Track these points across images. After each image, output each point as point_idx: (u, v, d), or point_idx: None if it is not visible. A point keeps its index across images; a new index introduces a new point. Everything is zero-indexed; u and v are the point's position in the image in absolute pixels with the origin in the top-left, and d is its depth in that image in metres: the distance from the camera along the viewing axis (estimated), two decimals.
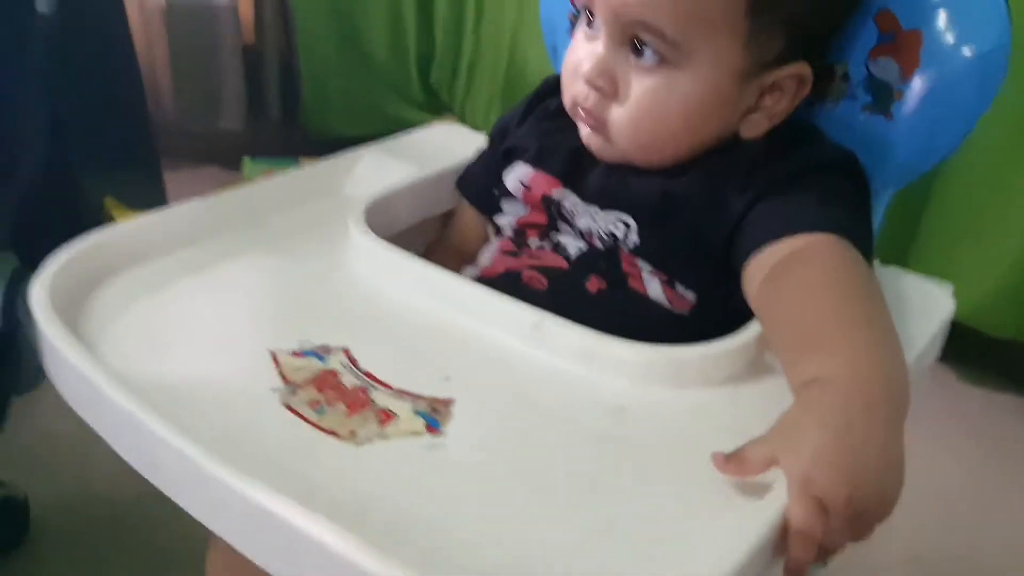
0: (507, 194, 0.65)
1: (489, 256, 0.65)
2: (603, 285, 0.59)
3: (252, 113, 2.02)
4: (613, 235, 0.59)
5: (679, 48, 0.55)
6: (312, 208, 0.65)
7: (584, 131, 0.61)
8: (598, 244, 0.60)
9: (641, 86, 0.57)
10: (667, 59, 0.55)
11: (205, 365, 0.50)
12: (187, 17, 1.90)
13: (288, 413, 0.45)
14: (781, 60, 0.57)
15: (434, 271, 0.55)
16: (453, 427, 0.45)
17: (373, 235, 0.58)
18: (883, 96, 0.59)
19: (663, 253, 0.58)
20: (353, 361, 0.49)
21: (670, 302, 0.58)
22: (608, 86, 0.57)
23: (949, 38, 0.57)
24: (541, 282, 0.60)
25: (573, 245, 0.61)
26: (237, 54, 1.97)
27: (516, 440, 0.45)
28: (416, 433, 0.45)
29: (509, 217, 0.66)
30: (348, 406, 0.46)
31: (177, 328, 0.53)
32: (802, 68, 0.57)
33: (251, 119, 2.02)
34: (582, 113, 0.60)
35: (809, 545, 0.38)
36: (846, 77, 0.61)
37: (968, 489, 1.23)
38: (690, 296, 0.58)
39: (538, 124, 0.67)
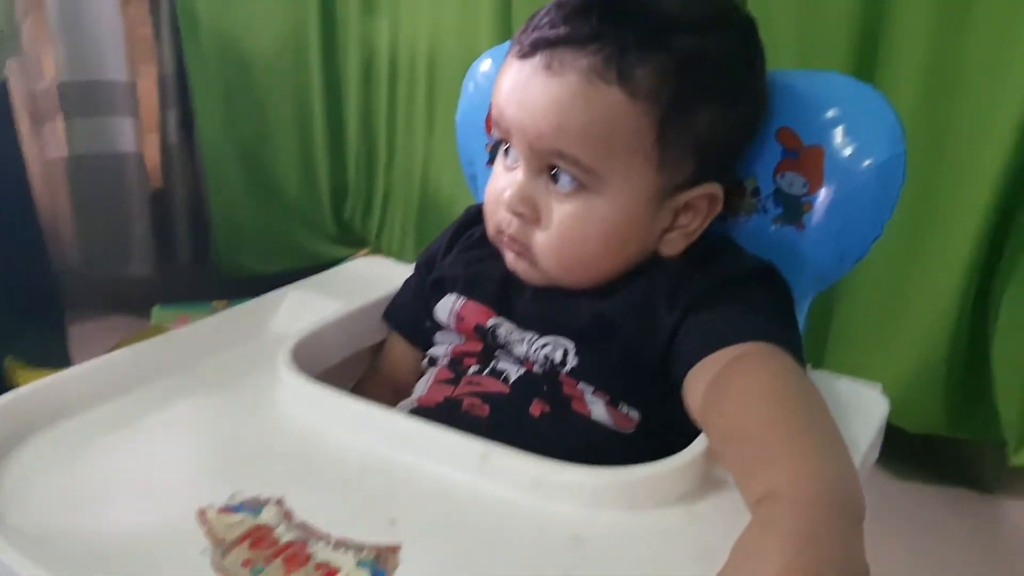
0: (441, 326, 0.65)
1: (425, 386, 0.63)
2: (546, 408, 0.58)
3: (161, 258, 1.99)
4: (551, 360, 0.59)
5: (595, 174, 0.57)
6: (238, 351, 0.63)
7: (509, 257, 0.62)
8: (537, 369, 0.60)
9: (561, 211, 0.58)
10: (584, 185, 0.58)
11: (128, 529, 0.46)
12: (91, 166, 1.88)
13: None
14: (692, 182, 0.59)
15: (370, 407, 0.53)
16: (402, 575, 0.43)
17: (303, 374, 0.56)
18: (793, 208, 0.62)
19: (602, 374, 0.58)
20: (288, 513, 0.47)
21: (615, 422, 0.57)
22: (529, 212, 0.59)
23: (848, 151, 0.60)
24: (482, 409, 0.59)
25: (513, 370, 0.60)
26: (144, 200, 1.95)
27: None
28: None
29: (444, 347, 0.65)
30: (286, 563, 0.43)
31: (97, 490, 0.49)
32: (712, 188, 0.60)
33: (160, 264, 1.98)
34: (506, 240, 0.61)
35: None
36: (756, 192, 0.63)
37: None
38: (635, 415, 0.58)
39: (464, 253, 0.68)
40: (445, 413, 0.58)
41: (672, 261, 0.61)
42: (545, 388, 0.59)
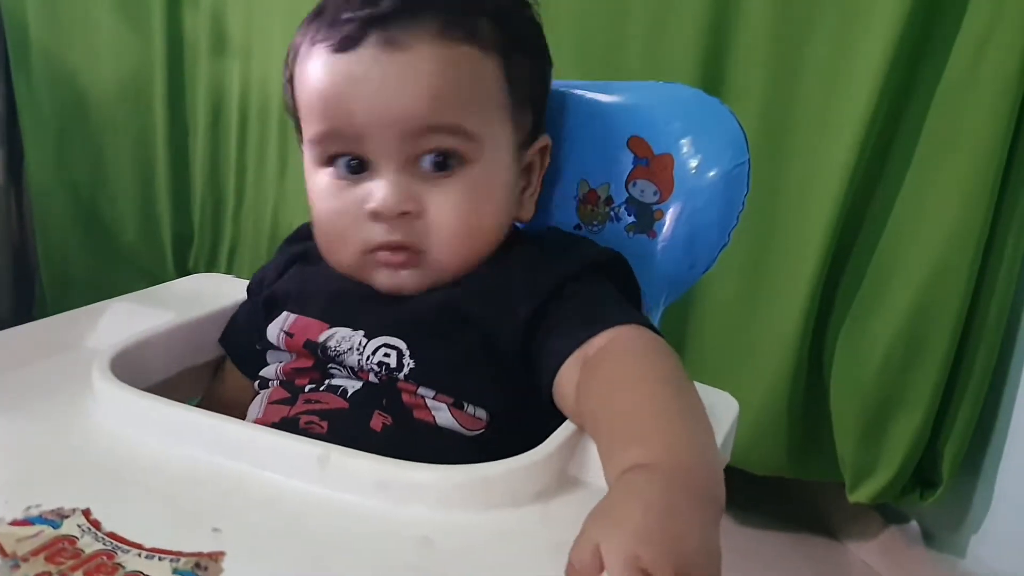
0: (271, 346, 0.60)
1: (260, 408, 0.58)
2: (388, 420, 0.54)
3: None
4: (385, 365, 0.55)
5: (475, 140, 0.55)
6: (50, 363, 0.57)
7: (385, 275, 0.58)
8: (373, 379, 0.56)
9: (449, 195, 0.56)
10: (464, 158, 0.56)
11: None
12: None
13: None
14: (532, 137, 0.60)
15: (194, 414, 0.48)
16: None
17: (119, 382, 0.50)
18: (644, 216, 0.62)
19: (442, 374, 0.55)
20: (95, 523, 0.41)
21: (462, 424, 0.54)
22: (417, 208, 0.55)
23: (695, 160, 0.61)
24: (320, 426, 0.54)
25: (350, 384, 0.56)
26: None
27: None
28: None
29: (273, 367, 0.60)
30: (88, 575, 0.37)
31: None
32: (544, 140, 0.61)
33: None
34: (388, 254, 0.57)
35: None
36: (609, 200, 0.63)
37: None
38: (482, 414, 0.55)
39: (300, 272, 0.64)
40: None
41: (524, 247, 0.60)
42: (384, 401, 0.55)
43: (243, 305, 0.67)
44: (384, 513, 0.44)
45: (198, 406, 0.61)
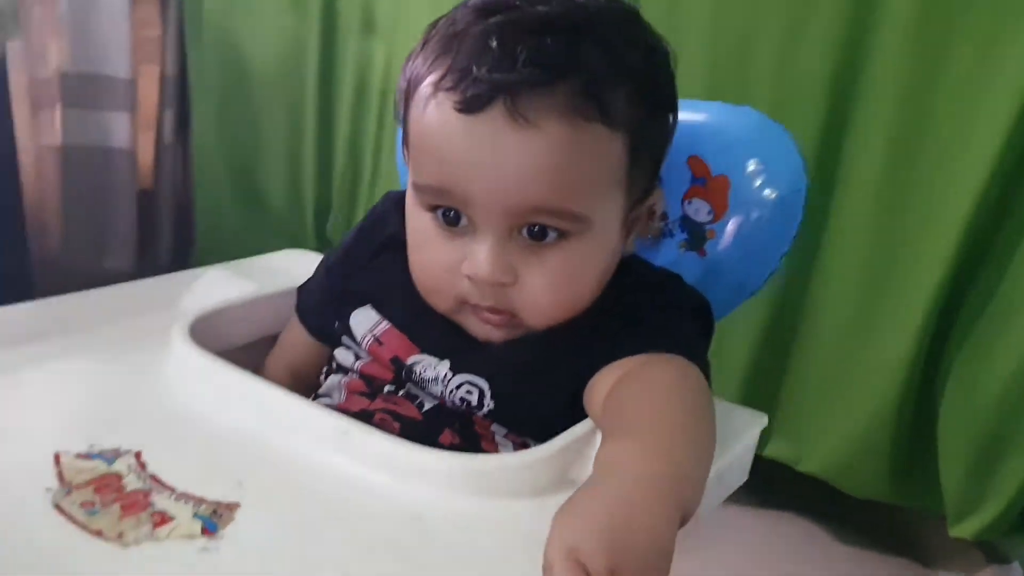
0: (354, 339, 0.62)
1: (340, 392, 0.62)
2: (456, 440, 0.57)
3: (142, 256, 2.01)
4: (466, 401, 0.57)
5: (581, 219, 0.53)
6: (144, 320, 0.64)
7: (482, 328, 0.58)
8: (450, 407, 0.58)
9: (547, 266, 0.54)
10: (570, 233, 0.54)
11: None
12: (84, 158, 1.91)
13: (56, 514, 0.43)
14: (646, 193, 0.58)
15: (248, 380, 0.54)
16: (232, 531, 0.43)
17: (192, 343, 0.57)
18: (697, 235, 0.63)
19: (521, 421, 0.57)
20: (142, 464, 0.48)
21: None
22: (512, 279, 0.55)
23: (753, 183, 0.62)
24: (393, 426, 0.57)
25: (427, 400, 0.59)
26: (132, 197, 1.97)
27: (297, 546, 0.43)
28: (190, 536, 0.43)
29: (351, 357, 0.62)
30: (123, 508, 0.44)
31: None
32: (657, 194, 0.59)
33: (140, 262, 2.00)
34: (484, 313, 0.57)
35: None
36: (664, 216, 0.65)
37: None
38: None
39: (391, 265, 0.62)
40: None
41: (620, 297, 0.58)
42: (456, 424, 0.58)
43: (319, 280, 0.69)
44: (388, 489, 0.48)
45: (260, 367, 0.68)
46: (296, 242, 2.02)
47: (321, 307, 0.67)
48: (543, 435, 0.53)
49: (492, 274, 0.54)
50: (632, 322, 0.57)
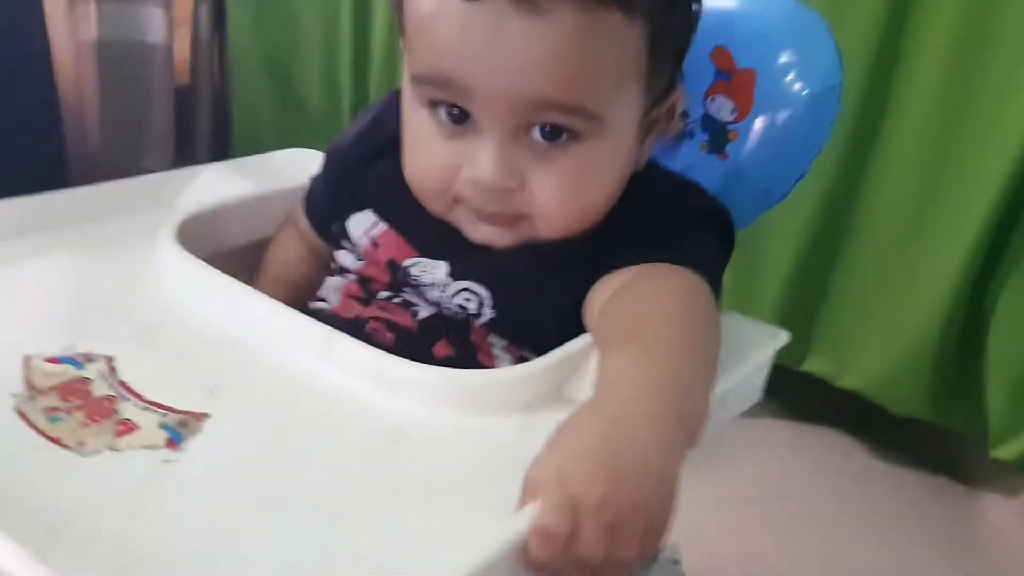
0: (347, 236, 0.60)
1: (337, 297, 0.59)
2: (451, 352, 0.54)
3: (179, 154, 2.00)
4: (464, 309, 0.54)
5: (598, 119, 0.49)
6: (136, 219, 0.62)
7: (484, 230, 0.54)
8: (446, 314, 0.56)
9: (559, 170, 0.50)
10: (581, 134, 0.50)
11: None
12: (120, 53, 1.89)
13: (18, 419, 0.41)
14: (666, 91, 0.54)
15: (231, 283, 0.52)
16: (197, 442, 0.41)
17: (178, 245, 0.55)
18: (719, 135, 0.58)
19: (521, 331, 0.54)
20: (112, 370, 0.46)
21: None
22: (518, 184, 0.51)
23: (782, 78, 0.56)
24: (385, 336, 0.55)
25: (423, 307, 0.56)
26: (169, 93, 1.95)
27: (266, 457, 0.41)
28: (153, 447, 0.41)
29: (349, 259, 0.60)
30: (88, 416, 0.42)
31: None
32: (678, 92, 0.55)
33: (178, 159, 1.99)
34: (483, 216, 0.53)
35: (550, 544, 0.34)
36: (685, 115, 0.60)
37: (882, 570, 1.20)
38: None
39: (390, 169, 0.58)
40: (349, 330, 0.53)
41: (632, 204, 0.54)
42: (452, 333, 0.55)
43: (323, 171, 0.66)
44: (371, 401, 0.46)
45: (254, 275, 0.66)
46: (332, 139, 1.99)
47: (326, 205, 0.64)
48: (543, 349, 0.50)
49: (496, 178, 0.50)
50: (639, 231, 0.53)
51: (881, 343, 1.27)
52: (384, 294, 0.58)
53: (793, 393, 1.46)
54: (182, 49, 1.96)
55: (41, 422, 0.41)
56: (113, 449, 0.40)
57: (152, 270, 0.55)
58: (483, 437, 0.45)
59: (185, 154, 2.01)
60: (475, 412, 0.46)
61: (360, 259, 0.60)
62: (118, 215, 0.61)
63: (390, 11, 0.56)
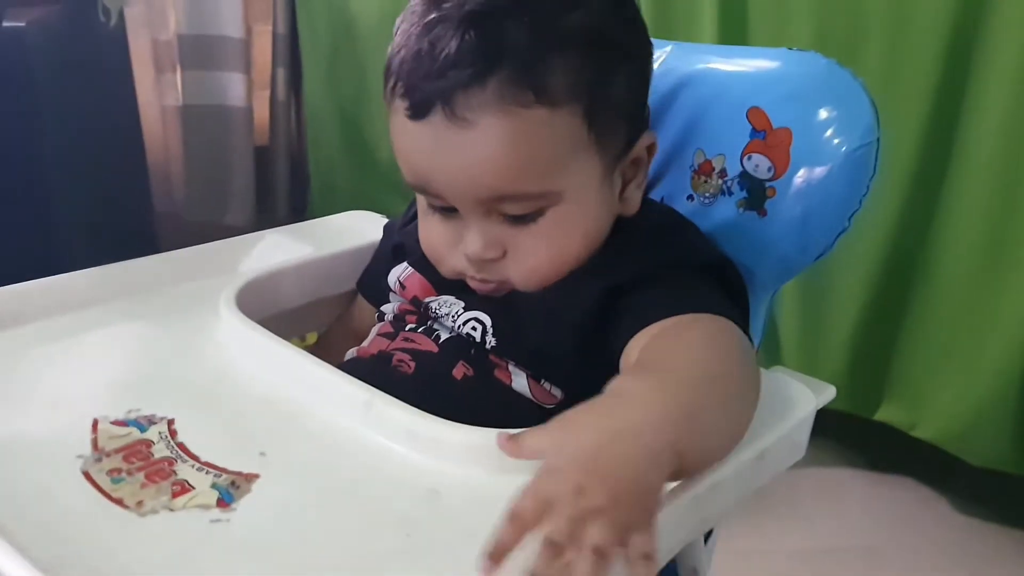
0: (390, 288, 0.66)
1: (370, 338, 0.65)
2: (469, 372, 0.58)
3: (260, 210, 2.09)
4: (471, 337, 0.58)
5: (550, 195, 0.55)
6: (203, 284, 0.65)
7: (478, 288, 0.60)
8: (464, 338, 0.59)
9: (531, 237, 0.56)
10: (543, 208, 0.55)
11: (18, 427, 0.49)
12: (204, 117, 1.99)
13: (83, 480, 0.45)
14: (628, 143, 0.58)
15: (281, 346, 0.55)
16: (246, 502, 0.44)
17: (236, 309, 0.58)
18: (757, 193, 0.59)
19: (522, 354, 0.57)
20: (173, 432, 0.49)
21: (536, 396, 0.57)
22: (499, 253, 0.57)
23: (817, 137, 0.57)
24: (409, 365, 0.59)
25: (445, 332, 0.60)
26: (249, 153, 2.05)
27: (309, 518, 0.43)
28: (205, 506, 0.43)
29: (393, 305, 0.66)
30: (147, 476, 0.45)
31: (9, 390, 0.53)
32: (647, 138, 0.59)
33: (258, 216, 2.08)
34: (476, 284, 0.59)
35: (515, 526, 0.36)
36: (723, 173, 0.60)
37: None
38: (557, 392, 0.57)
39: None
40: (376, 366, 0.59)
41: (627, 236, 0.59)
42: (472, 352, 0.58)
43: (380, 244, 0.72)
44: (408, 461, 0.47)
45: (326, 332, 0.69)
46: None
47: (376, 272, 0.70)
48: (548, 374, 0.56)
49: (480, 252, 0.56)
50: (647, 280, 0.55)
51: (957, 391, 1.23)
52: (411, 326, 0.62)
53: (870, 442, 1.43)
54: (261, 111, 2.06)
55: (105, 483, 0.44)
56: (169, 509, 0.43)
57: (212, 334, 0.58)
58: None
59: (265, 210, 2.09)
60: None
61: (398, 303, 0.65)
62: (182, 282, 0.65)
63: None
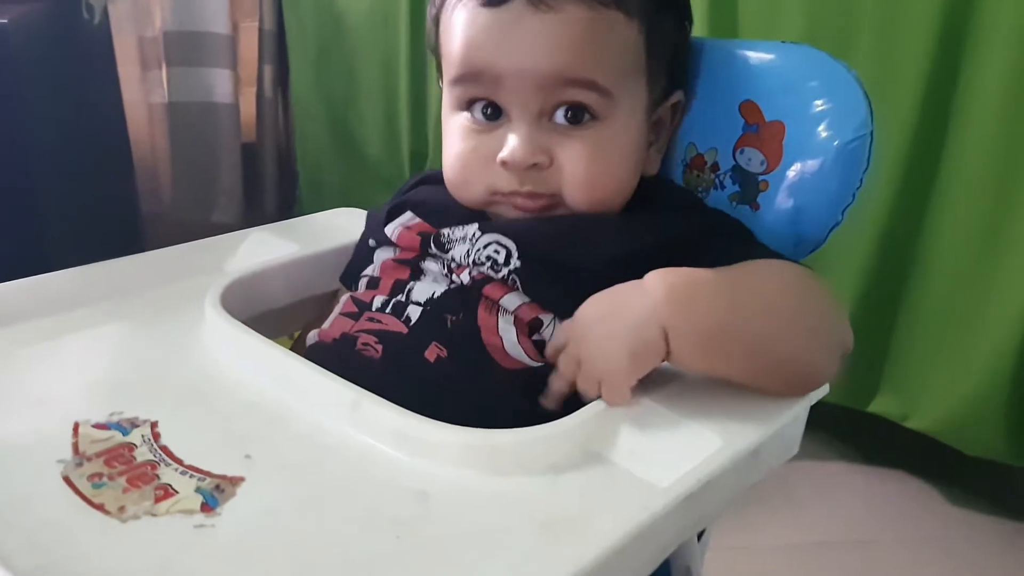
0: (386, 241, 0.63)
1: (331, 319, 0.62)
2: (443, 353, 0.56)
3: (248, 207, 2.07)
4: (492, 260, 0.57)
5: (610, 98, 0.57)
6: (183, 285, 0.64)
7: (516, 215, 0.60)
8: (465, 279, 0.57)
9: (581, 146, 0.57)
10: (597, 115, 0.57)
11: None
12: (189, 114, 1.98)
13: (64, 485, 0.43)
14: (665, 94, 0.61)
15: (268, 348, 0.53)
16: (231, 506, 0.43)
17: (220, 309, 0.57)
18: (750, 187, 0.58)
19: (544, 280, 0.56)
20: (156, 435, 0.48)
21: (527, 354, 0.55)
22: (547, 159, 0.58)
23: (810, 130, 0.56)
24: (376, 349, 0.57)
25: (424, 293, 0.58)
26: (236, 150, 2.03)
27: (296, 521, 0.42)
28: (189, 511, 0.42)
29: (376, 265, 0.63)
30: (129, 481, 0.44)
31: None
32: (678, 95, 0.62)
33: (246, 213, 2.06)
34: (522, 201, 0.59)
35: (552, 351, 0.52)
36: (715, 167, 0.60)
37: None
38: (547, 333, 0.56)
39: (429, 188, 0.67)
40: (339, 351, 0.58)
41: (654, 202, 0.61)
42: (451, 320, 0.56)
43: (362, 236, 0.69)
44: (397, 462, 0.46)
45: (306, 327, 0.68)
46: (394, 187, 2.02)
47: (357, 263, 0.67)
48: (562, 307, 0.55)
49: (527, 154, 0.57)
50: (708, 231, 0.58)
51: (950, 382, 1.23)
52: (378, 301, 0.59)
53: (864, 435, 1.42)
54: (248, 107, 2.05)
55: (86, 488, 0.43)
56: (152, 515, 0.42)
57: (197, 335, 0.57)
58: (508, 498, 0.45)
59: (253, 207, 2.08)
60: (500, 472, 0.46)
61: (384, 258, 0.63)
62: (167, 282, 0.64)
63: (427, 38, 0.65)
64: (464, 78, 0.59)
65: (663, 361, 0.50)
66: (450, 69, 0.60)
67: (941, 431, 1.26)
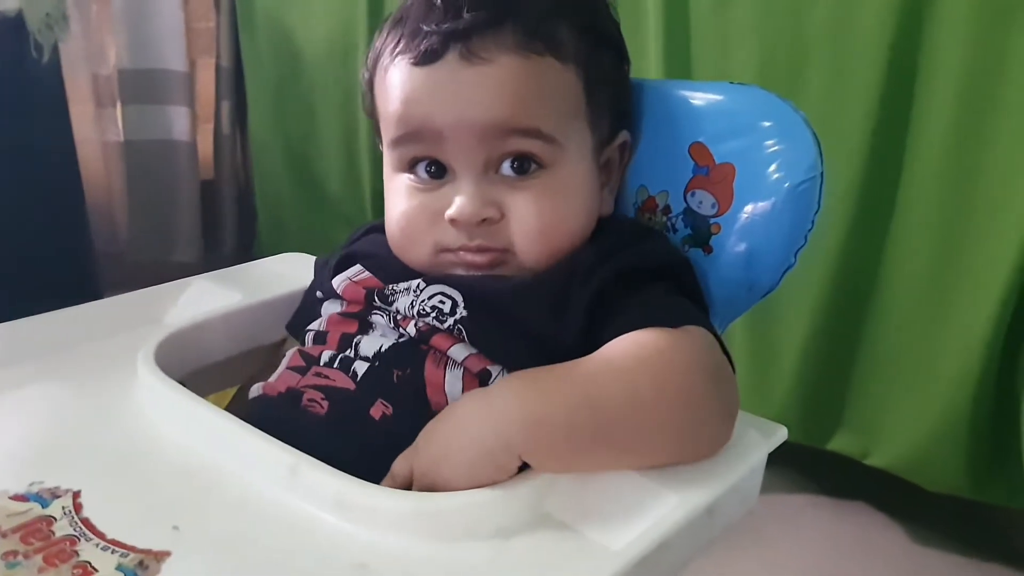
0: (332, 294, 0.61)
1: (278, 372, 0.60)
2: (388, 410, 0.54)
3: (207, 247, 2.03)
4: (438, 310, 0.55)
5: (555, 143, 0.56)
6: (116, 340, 0.61)
7: (466, 272, 0.58)
8: (411, 331, 0.56)
9: (531, 197, 0.56)
10: (544, 163, 0.56)
11: None
12: (146, 152, 1.94)
13: None
14: (610, 135, 0.60)
15: (201, 407, 0.51)
16: None
17: (155, 368, 0.54)
18: (701, 229, 0.57)
19: (487, 332, 0.55)
20: (78, 507, 0.45)
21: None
22: (497, 213, 0.56)
23: (761, 172, 0.55)
24: (321, 405, 0.54)
25: (372, 347, 0.56)
26: (195, 188, 2.00)
27: None
28: None
29: (322, 319, 0.61)
30: (45, 560, 0.41)
31: None
32: (624, 136, 0.61)
33: (205, 252, 2.02)
34: (470, 257, 0.57)
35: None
36: (667, 209, 0.59)
37: None
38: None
39: (378, 239, 0.64)
40: (284, 406, 0.55)
41: (600, 238, 0.59)
42: (397, 375, 0.54)
43: (311, 283, 0.68)
44: (336, 531, 0.44)
45: (250, 380, 0.65)
46: (355, 224, 2.00)
47: (305, 311, 0.65)
48: (507, 358, 0.54)
49: (476, 209, 0.55)
50: (626, 288, 0.54)
51: (909, 418, 1.22)
52: (326, 356, 0.57)
53: (825, 470, 1.41)
54: (205, 145, 2.01)
55: None
56: None
57: (129, 395, 0.55)
58: (454, 565, 0.43)
59: (213, 246, 2.04)
60: (446, 538, 0.44)
61: (330, 312, 0.61)
62: (99, 337, 0.61)
63: (363, 102, 0.64)
64: (404, 138, 0.57)
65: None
66: (389, 130, 0.58)
67: (902, 467, 1.25)
